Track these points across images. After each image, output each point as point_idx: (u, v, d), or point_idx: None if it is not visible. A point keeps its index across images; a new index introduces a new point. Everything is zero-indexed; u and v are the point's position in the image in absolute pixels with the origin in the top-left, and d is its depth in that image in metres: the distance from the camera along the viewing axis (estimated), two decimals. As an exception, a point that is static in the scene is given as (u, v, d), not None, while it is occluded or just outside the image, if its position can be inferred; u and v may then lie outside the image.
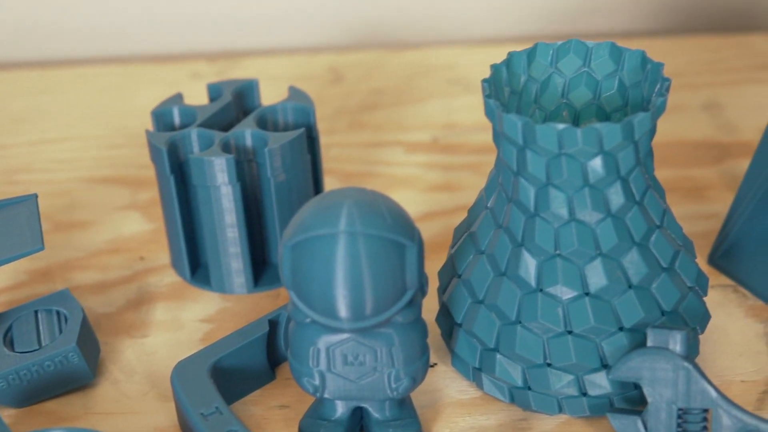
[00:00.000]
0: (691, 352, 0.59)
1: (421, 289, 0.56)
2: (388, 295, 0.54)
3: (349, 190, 0.54)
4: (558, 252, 0.56)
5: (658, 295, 0.57)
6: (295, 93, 0.71)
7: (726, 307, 0.66)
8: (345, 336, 0.56)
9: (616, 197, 0.55)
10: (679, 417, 0.55)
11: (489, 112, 0.55)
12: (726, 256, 0.69)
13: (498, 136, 0.56)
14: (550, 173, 0.54)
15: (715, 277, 0.69)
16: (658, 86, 0.56)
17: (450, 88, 0.90)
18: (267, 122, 0.70)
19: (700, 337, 0.64)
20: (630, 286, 0.56)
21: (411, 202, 0.76)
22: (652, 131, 0.56)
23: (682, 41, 0.95)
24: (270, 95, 0.79)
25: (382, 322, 0.55)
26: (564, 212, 0.55)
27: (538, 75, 0.60)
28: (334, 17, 0.98)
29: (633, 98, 0.59)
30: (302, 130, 0.67)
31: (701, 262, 0.70)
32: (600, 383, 0.57)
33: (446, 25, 0.99)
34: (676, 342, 0.55)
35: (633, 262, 0.56)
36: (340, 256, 0.53)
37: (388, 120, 0.86)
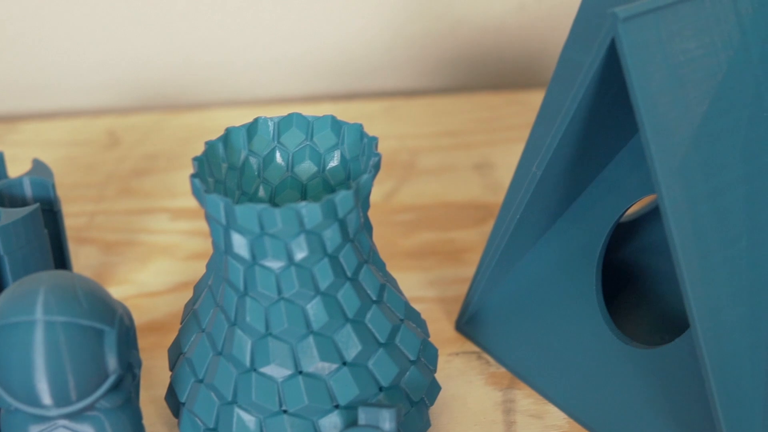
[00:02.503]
0: (415, 426, 0.59)
1: (131, 372, 0.55)
2: (89, 380, 0.53)
3: (46, 274, 0.53)
4: (269, 331, 0.55)
5: (375, 370, 0.57)
6: (37, 166, 0.70)
7: (467, 375, 0.66)
8: (53, 422, 0.54)
9: (324, 275, 0.55)
10: (391, 495, 0.54)
11: (195, 192, 0.55)
12: (470, 322, 0.69)
13: (207, 215, 0.56)
14: (255, 253, 0.54)
15: (461, 344, 0.69)
16: (370, 162, 0.56)
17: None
18: (4, 197, 0.68)
19: (439, 406, 0.63)
20: (344, 363, 0.56)
21: (168, 271, 0.75)
22: (365, 205, 0.56)
23: (463, 99, 0.96)
24: (46, 160, 0.78)
25: (87, 407, 0.54)
26: (272, 292, 0.55)
27: (260, 149, 0.60)
28: (114, 78, 0.97)
29: (354, 172, 0.59)
30: (36, 205, 0.65)
31: (451, 328, 0.70)
32: (321, 462, 0.57)
33: (227, 85, 0.98)
34: (386, 419, 0.54)
35: (347, 339, 0.56)
36: (37, 343, 0.52)
37: (159, 185, 0.85)
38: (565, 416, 0.63)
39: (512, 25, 0.99)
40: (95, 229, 0.80)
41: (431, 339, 0.68)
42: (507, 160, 0.87)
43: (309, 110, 0.94)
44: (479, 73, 1.01)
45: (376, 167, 0.56)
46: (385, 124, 0.92)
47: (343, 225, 0.54)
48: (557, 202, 0.64)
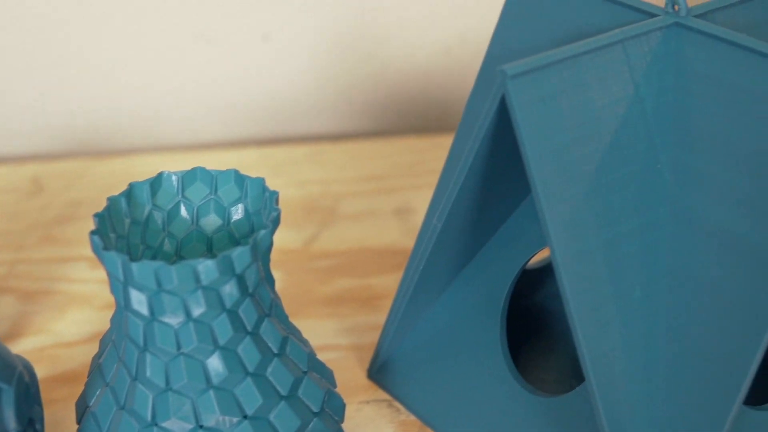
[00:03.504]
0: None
1: (32, 428, 0.55)
2: (-13, 439, 0.53)
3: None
4: (169, 386, 0.56)
5: (276, 423, 0.57)
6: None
7: (377, 423, 0.67)
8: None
9: (223, 330, 0.55)
10: None
11: (94, 249, 0.55)
12: (381, 370, 0.69)
13: (107, 272, 0.56)
14: (153, 309, 0.54)
15: (373, 392, 0.69)
16: (269, 217, 0.57)
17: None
18: None
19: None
20: (245, 417, 0.56)
21: (85, 321, 0.75)
22: (265, 259, 0.57)
23: (389, 143, 0.97)
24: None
25: (-14, 465, 0.54)
26: (171, 347, 0.55)
27: (165, 204, 0.60)
28: (40, 124, 0.97)
29: (257, 225, 0.60)
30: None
31: (363, 375, 0.70)
32: None
33: (154, 131, 0.99)
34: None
35: (247, 393, 0.56)
36: (-67, 402, 0.52)
37: (80, 233, 0.86)
38: (472, 464, 0.64)
39: (438, 68, 1.00)
40: (14, 278, 0.80)
41: (343, 387, 0.69)
42: (427, 204, 0.87)
43: (235, 155, 0.95)
44: (406, 116, 1.01)
45: (275, 222, 0.56)
46: (310, 169, 0.93)
47: (241, 280, 0.55)
48: (462, 252, 0.64)
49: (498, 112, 0.55)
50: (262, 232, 0.55)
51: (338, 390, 0.68)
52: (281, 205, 0.88)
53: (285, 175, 0.92)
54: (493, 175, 0.60)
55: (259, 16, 0.97)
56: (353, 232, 0.85)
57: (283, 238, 0.84)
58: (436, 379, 0.67)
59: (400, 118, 1.01)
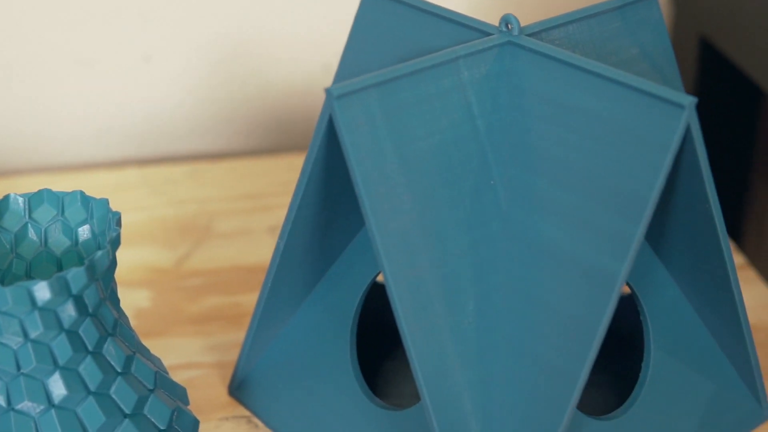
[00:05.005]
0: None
1: None
2: None
3: None
4: (11, 406, 0.56)
5: (121, 442, 0.58)
6: None
7: (235, 439, 0.68)
8: None
9: (63, 350, 0.56)
10: None
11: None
12: (240, 387, 0.70)
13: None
14: (-10, 331, 0.55)
15: (233, 409, 0.70)
16: (109, 237, 0.57)
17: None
18: None
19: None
20: (88, 435, 0.57)
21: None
22: (107, 278, 0.57)
23: (268, 161, 0.98)
24: None
25: None
26: (11, 367, 0.56)
27: (12, 226, 0.61)
28: None
29: (103, 245, 0.60)
30: None
31: (225, 393, 0.71)
32: None
33: (35, 152, 0.99)
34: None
35: (90, 412, 0.57)
36: None
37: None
38: (324, 478, 0.65)
39: (317, 86, 1.01)
40: None
41: (204, 404, 0.70)
42: (303, 222, 0.89)
43: (115, 175, 0.95)
44: (287, 134, 1.02)
45: (114, 243, 0.57)
46: (188, 188, 0.94)
47: (79, 300, 0.56)
48: (311, 270, 0.66)
49: (327, 133, 0.56)
50: (99, 252, 0.56)
51: (199, 407, 0.69)
52: (156, 225, 0.88)
53: (163, 194, 0.93)
54: (333, 193, 0.61)
55: (140, 37, 0.97)
56: (226, 250, 0.86)
57: (155, 258, 0.84)
58: (291, 396, 0.68)
59: (280, 137, 1.02)
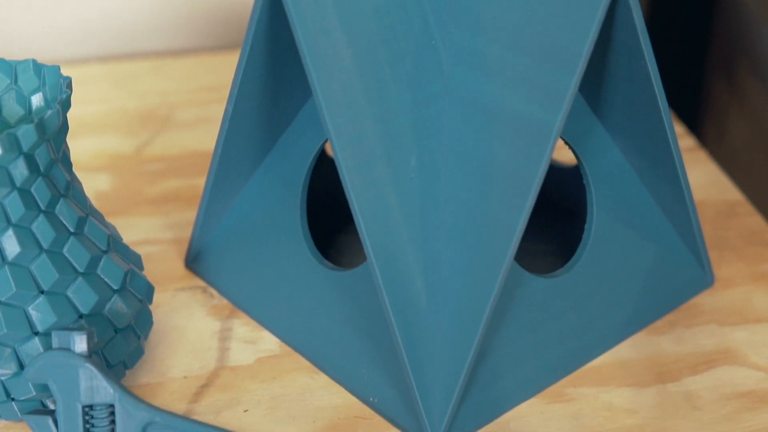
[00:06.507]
0: (121, 352, 0.61)
1: None
2: None
3: None
4: (-35, 264, 0.58)
5: (74, 298, 0.59)
6: None
7: (190, 308, 0.69)
8: None
9: (15, 207, 0.57)
10: (86, 414, 0.57)
11: None
12: (196, 259, 0.72)
13: None
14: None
15: (189, 280, 0.72)
16: (58, 99, 0.59)
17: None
18: None
19: (158, 337, 0.67)
20: (42, 292, 0.59)
21: None
22: (58, 140, 0.59)
23: (227, 57, 0.99)
24: None
25: None
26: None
27: (-34, 95, 0.62)
28: None
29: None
30: None
31: (182, 266, 0.73)
32: (24, 387, 0.59)
33: (-3, 49, 1.00)
34: (78, 342, 0.57)
35: (43, 269, 0.58)
36: None
37: None
38: (278, 341, 0.67)
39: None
40: None
41: (161, 277, 0.71)
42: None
43: (77, 70, 0.96)
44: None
45: (64, 104, 0.58)
46: (150, 82, 0.95)
47: (30, 159, 0.57)
48: (261, 138, 0.67)
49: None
50: (49, 111, 0.57)
51: (156, 279, 0.71)
52: (118, 115, 0.90)
53: (125, 87, 0.94)
54: (278, 58, 0.62)
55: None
56: (186, 138, 0.87)
57: (116, 145, 0.86)
58: (245, 265, 0.69)
59: (240, 34, 1.03)
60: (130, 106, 0.91)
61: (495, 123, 0.58)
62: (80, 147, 0.83)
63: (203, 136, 0.87)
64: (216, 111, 0.90)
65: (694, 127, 1.04)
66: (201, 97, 0.92)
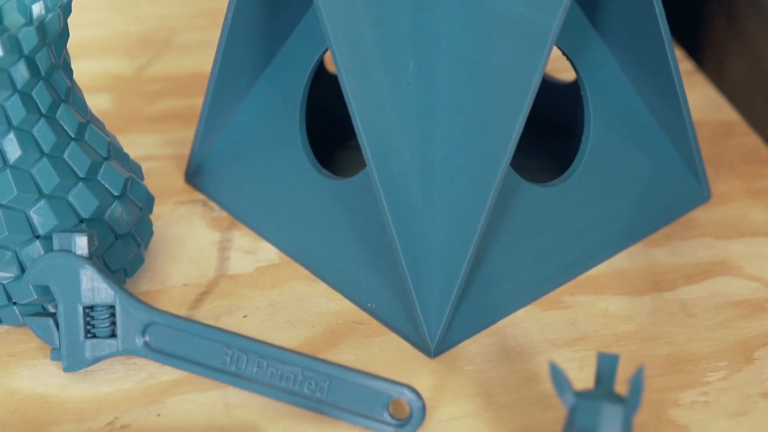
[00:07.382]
0: (121, 258, 0.62)
1: None
2: None
3: None
4: (-32, 165, 0.58)
5: (75, 203, 0.60)
6: None
7: (190, 220, 0.70)
8: None
9: (16, 110, 0.58)
10: (87, 315, 0.58)
11: None
12: (196, 173, 0.72)
13: None
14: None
15: (189, 194, 0.72)
16: (59, 3, 0.59)
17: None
18: None
19: (159, 247, 0.67)
20: (43, 196, 0.59)
21: None
22: (59, 46, 0.59)
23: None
24: None
25: None
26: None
27: (-35, 2, 0.62)
28: None
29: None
30: None
31: (182, 180, 0.73)
32: (25, 291, 0.60)
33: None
34: (79, 243, 0.58)
35: (44, 173, 0.59)
36: None
37: None
38: (277, 251, 0.68)
39: None
40: None
41: (161, 191, 0.72)
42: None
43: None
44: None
45: (65, 9, 0.58)
46: (149, 7, 0.95)
47: (31, 62, 0.57)
48: (259, 51, 0.67)
49: None
50: (50, 14, 0.57)
51: (156, 192, 0.71)
52: (118, 39, 0.90)
53: (125, 12, 0.94)
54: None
55: None
56: (185, 60, 0.88)
57: (116, 67, 0.86)
58: (244, 177, 0.70)
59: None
60: (130, 30, 0.91)
61: (493, 27, 0.58)
62: (81, 68, 0.83)
63: (203, 59, 0.87)
64: (215, 36, 0.89)
65: (695, 54, 1.04)
66: (200, 22, 0.92)
